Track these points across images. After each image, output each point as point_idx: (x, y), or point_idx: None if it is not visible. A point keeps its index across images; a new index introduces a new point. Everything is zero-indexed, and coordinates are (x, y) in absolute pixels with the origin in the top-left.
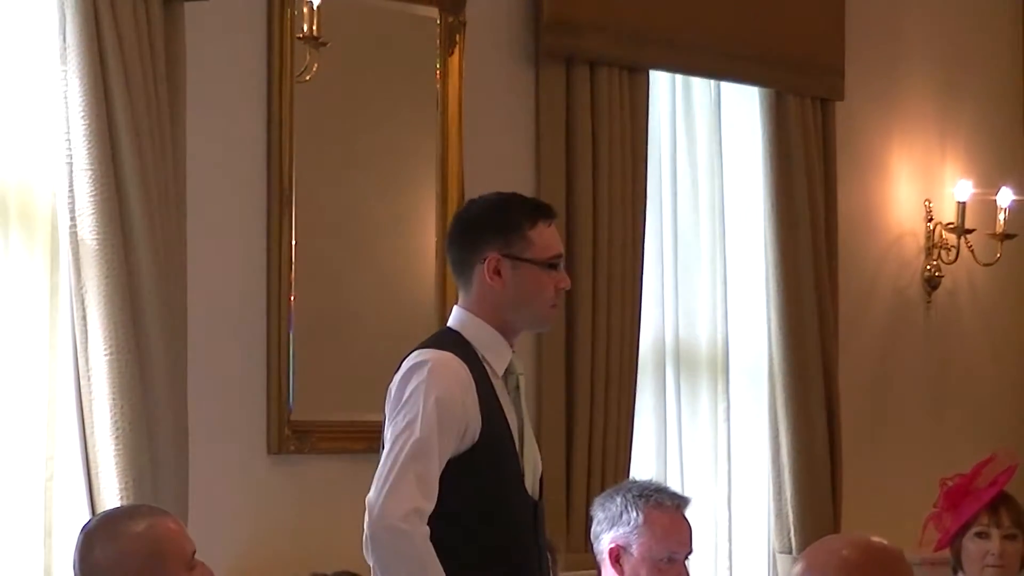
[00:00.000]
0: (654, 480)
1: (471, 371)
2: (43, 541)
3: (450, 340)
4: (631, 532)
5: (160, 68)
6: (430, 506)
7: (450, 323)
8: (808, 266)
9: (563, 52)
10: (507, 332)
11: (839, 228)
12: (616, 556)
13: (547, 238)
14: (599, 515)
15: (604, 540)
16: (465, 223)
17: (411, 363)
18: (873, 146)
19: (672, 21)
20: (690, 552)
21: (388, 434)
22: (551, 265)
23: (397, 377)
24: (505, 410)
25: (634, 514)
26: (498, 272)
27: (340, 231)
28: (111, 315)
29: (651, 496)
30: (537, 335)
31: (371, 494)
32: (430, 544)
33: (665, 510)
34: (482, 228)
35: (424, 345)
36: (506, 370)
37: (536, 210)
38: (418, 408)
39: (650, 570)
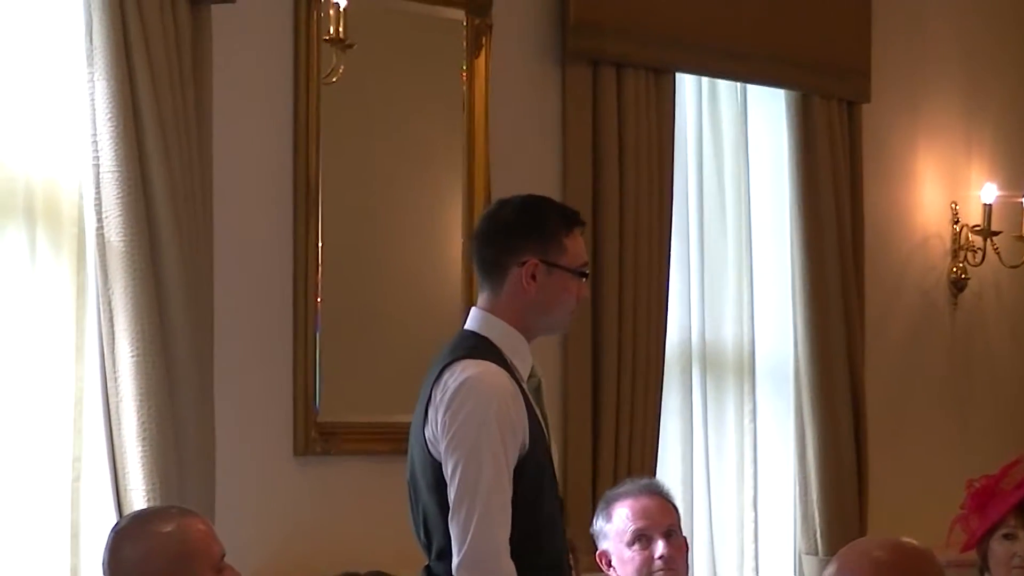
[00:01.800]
0: (626, 479)
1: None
2: (70, 542)
3: (483, 347)
4: (606, 534)
5: (187, 70)
6: (508, 532)
7: (472, 326)
8: (834, 268)
9: (589, 54)
10: (527, 336)
11: (865, 230)
12: (607, 562)
13: (579, 246)
14: None
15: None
16: (502, 225)
17: (458, 380)
18: (899, 148)
19: (698, 24)
20: (671, 528)
21: (452, 461)
22: (581, 274)
23: (443, 395)
24: (536, 412)
25: (603, 518)
26: (533, 276)
27: (366, 232)
28: (138, 317)
29: (610, 495)
30: (563, 337)
31: (457, 530)
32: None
33: (624, 497)
34: (522, 231)
35: (458, 355)
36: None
37: (571, 218)
38: (481, 434)
39: (632, 558)
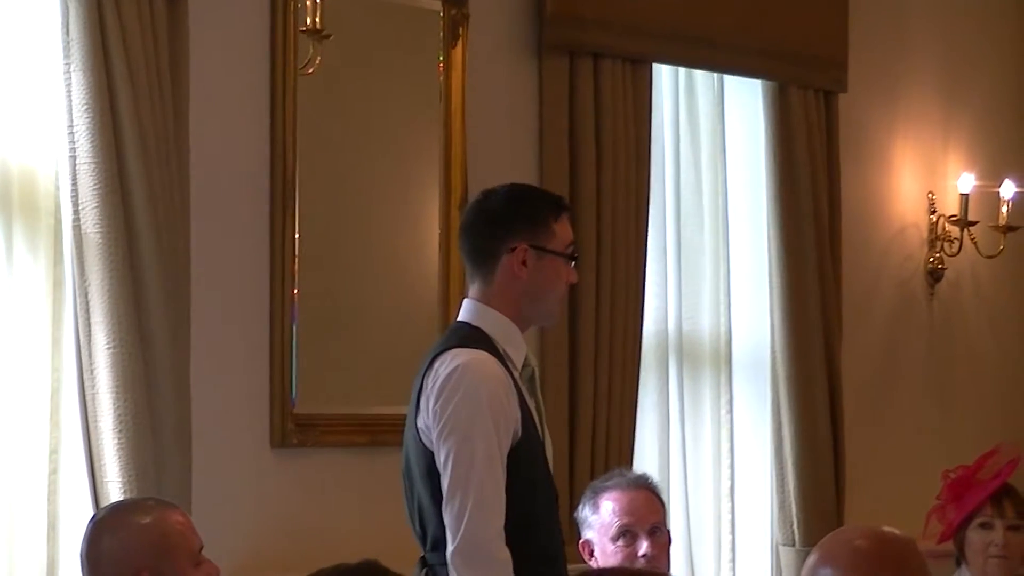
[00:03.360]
0: (616, 469)
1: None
2: (46, 534)
3: (475, 337)
4: (590, 524)
5: (163, 61)
6: (502, 519)
7: (465, 317)
8: (811, 258)
9: (566, 45)
10: (520, 325)
11: (842, 221)
12: (590, 552)
13: (567, 231)
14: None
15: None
16: (490, 213)
17: (448, 368)
18: (876, 138)
19: (675, 14)
20: (656, 525)
21: (444, 449)
22: (571, 257)
23: (434, 383)
24: (528, 403)
25: (589, 507)
26: (524, 263)
27: (343, 224)
28: (114, 309)
29: (598, 485)
30: (540, 327)
31: (451, 519)
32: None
33: (612, 489)
34: (511, 218)
35: (450, 344)
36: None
37: (558, 203)
38: (473, 421)
39: (615, 552)
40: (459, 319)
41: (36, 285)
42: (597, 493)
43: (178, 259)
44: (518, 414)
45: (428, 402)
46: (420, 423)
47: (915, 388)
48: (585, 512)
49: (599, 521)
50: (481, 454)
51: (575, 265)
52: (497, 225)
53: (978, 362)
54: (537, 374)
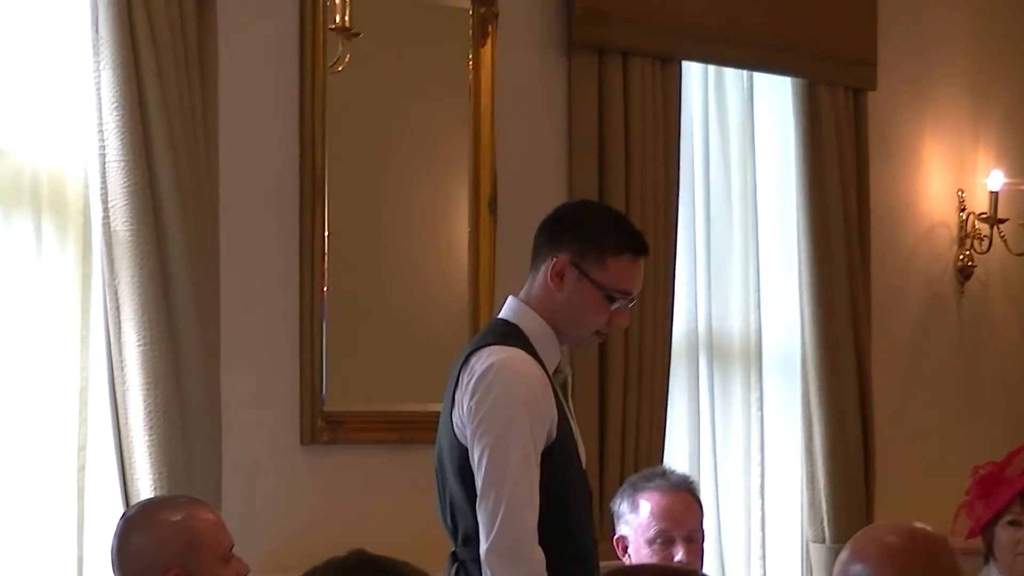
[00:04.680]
0: (659, 467)
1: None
2: (76, 531)
3: (512, 335)
4: (627, 521)
5: (192, 59)
6: (536, 518)
7: (505, 315)
8: (841, 256)
9: (595, 43)
10: (557, 335)
11: (871, 218)
12: (624, 548)
13: (626, 271)
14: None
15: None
16: (559, 217)
17: (485, 364)
18: (905, 136)
19: (704, 12)
20: (693, 532)
21: (479, 447)
22: (610, 297)
23: (470, 379)
24: (561, 406)
25: (627, 503)
26: (561, 276)
27: (372, 221)
28: (144, 306)
29: (639, 483)
30: None
31: (485, 517)
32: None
33: (653, 491)
34: (566, 228)
35: (488, 341)
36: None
37: (625, 242)
38: (509, 419)
39: (650, 555)
40: (499, 316)
41: (66, 283)
42: (637, 491)
43: (207, 256)
44: (554, 413)
45: (463, 398)
46: (454, 418)
47: (944, 385)
48: (623, 508)
49: (636, 521)
50: (516, 453)
51: (628, 309)
52: (554, 229)
53: (1007, 359)
54: (570, 382)
